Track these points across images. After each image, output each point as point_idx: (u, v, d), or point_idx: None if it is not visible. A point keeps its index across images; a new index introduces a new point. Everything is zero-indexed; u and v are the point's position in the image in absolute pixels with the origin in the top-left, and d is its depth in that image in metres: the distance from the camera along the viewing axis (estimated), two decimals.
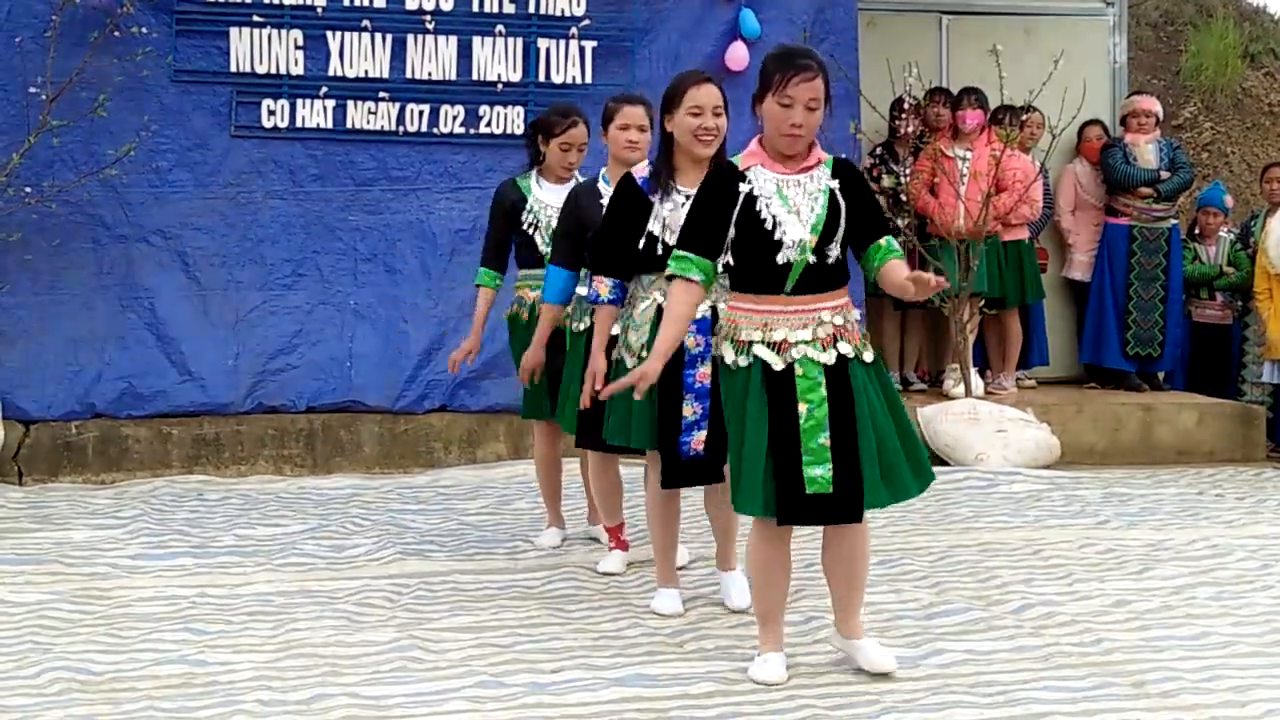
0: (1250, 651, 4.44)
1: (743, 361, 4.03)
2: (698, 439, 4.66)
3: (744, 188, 4.03)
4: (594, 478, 5.47)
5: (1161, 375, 9.42)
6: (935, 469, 7.36)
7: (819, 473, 3.95)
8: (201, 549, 5.79)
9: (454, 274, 8.02)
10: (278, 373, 7.87)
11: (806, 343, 4.00)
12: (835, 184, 4.07)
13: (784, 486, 3.97)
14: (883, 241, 4.17)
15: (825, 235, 4.02)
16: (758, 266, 4.03)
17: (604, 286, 4.86)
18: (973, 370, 8.66)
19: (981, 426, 7.93)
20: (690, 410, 4.65)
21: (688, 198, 4.55)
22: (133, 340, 7.72)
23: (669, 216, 4.67)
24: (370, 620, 4.76)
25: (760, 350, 4.00)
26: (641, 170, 4.86)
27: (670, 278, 4.14)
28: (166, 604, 4.97)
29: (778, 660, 4.13)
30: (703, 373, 4.63)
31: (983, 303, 8.79)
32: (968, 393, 8.47)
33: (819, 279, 4.03)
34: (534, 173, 5.86)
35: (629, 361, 4.78)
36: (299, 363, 7.89)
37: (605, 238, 4.87)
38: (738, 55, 8.06)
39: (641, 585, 5.20)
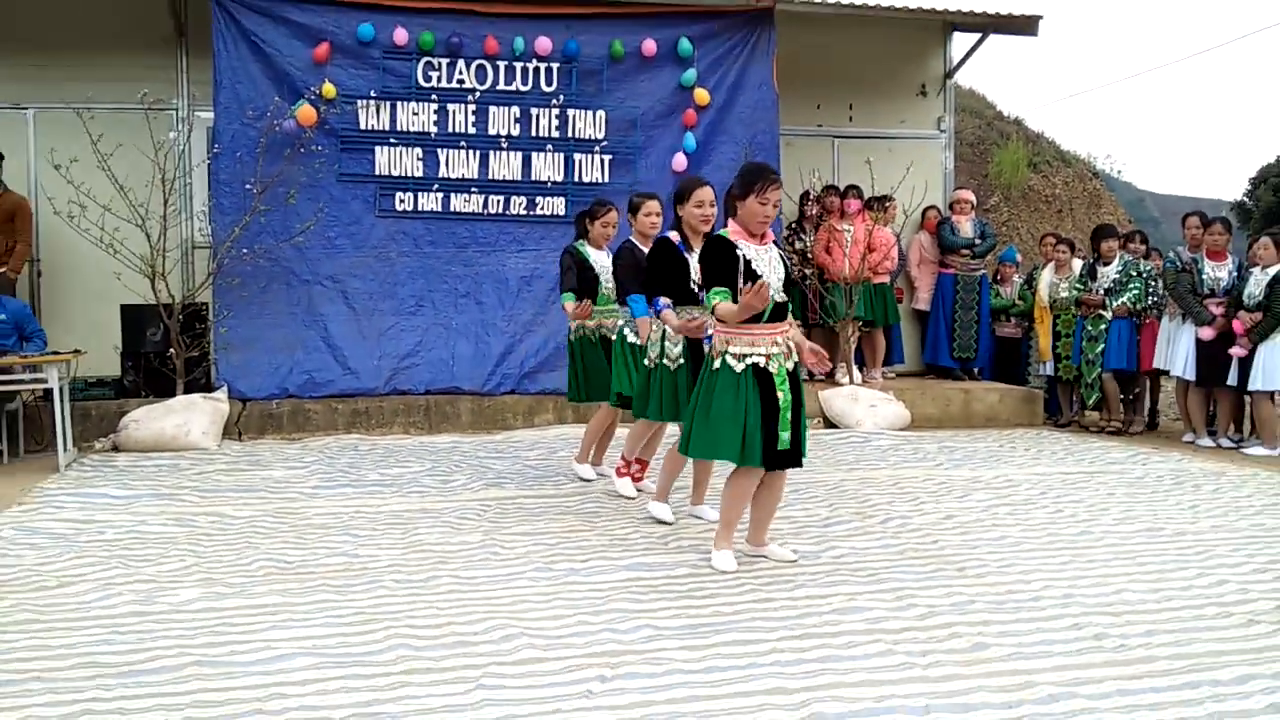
0: (1033, 548, 4.45)
1: (738, 367, 3.94)
2: None
3: (740, 253, 3.95)
4: (634, 433, 5.30)
5: (976, 370, 9.41)
6: (828, 430, 7.54)
7: (785, 436, 3.96)
8: (356, 482, 5.79)
9: (520, 305, 8.04)
10: (406, 369, 7.86)
11: (777, 354, 3.97)
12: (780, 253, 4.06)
13: (768, 445, 3.94)
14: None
15: (785, 286, 4.04)
16: None
17: (665, 300, 4.64)
18: (854, 367, 8.67)
19: (860, 403, 7.92)
20: None
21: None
22: (312, 348, 7.72)
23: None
24: (465, 528, 4.76)
25: (756, 358, 3.93)
26: (674, 235, 4.68)
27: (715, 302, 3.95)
28: (333, 518, 4.97)
29: (730, 555, 4.13)
30: None
31: (861, 323, 8.79)
32: (851, 381, 8.48)
33: (778, 313, 3.99)
34: (584, 241, 5.62)
35: (670, 367, 4.71)
36: (420, 362, 7.88)
37: (660, 277, 4.65)
38: (678, 161, 8.18)
39: (641, 507, 5.19)
